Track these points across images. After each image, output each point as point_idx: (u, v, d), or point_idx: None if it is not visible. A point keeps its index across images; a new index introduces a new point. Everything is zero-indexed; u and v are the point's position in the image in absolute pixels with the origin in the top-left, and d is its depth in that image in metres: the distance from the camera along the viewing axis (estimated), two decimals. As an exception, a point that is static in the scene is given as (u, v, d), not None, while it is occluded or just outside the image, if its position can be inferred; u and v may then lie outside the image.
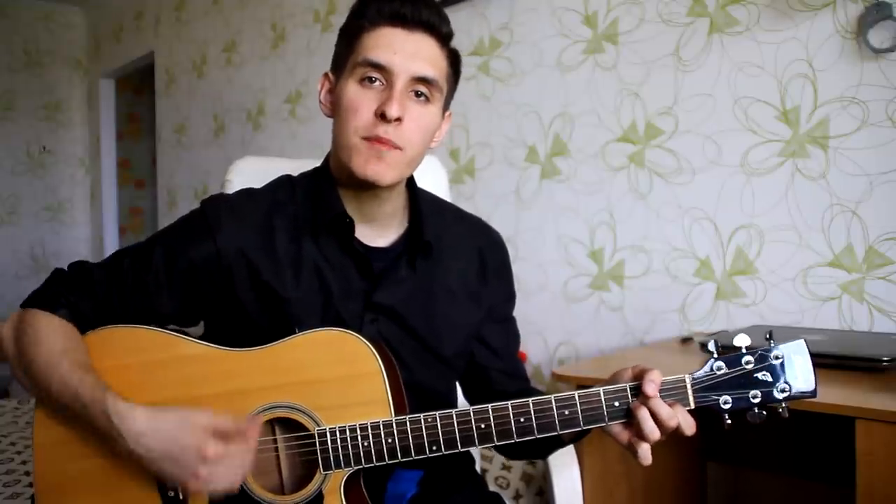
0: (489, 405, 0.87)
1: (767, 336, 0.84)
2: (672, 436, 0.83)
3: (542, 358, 2.20)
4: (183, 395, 0.92)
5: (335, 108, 0.98)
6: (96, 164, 5.21)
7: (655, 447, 0.85)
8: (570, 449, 1.30)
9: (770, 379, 0.83)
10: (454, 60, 1.00)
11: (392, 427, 0.88)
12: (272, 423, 0.92)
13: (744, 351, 0.84)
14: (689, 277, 1.86)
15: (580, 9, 2.09)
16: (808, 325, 1.64)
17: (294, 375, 0.91)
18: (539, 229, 2.21)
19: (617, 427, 0.86)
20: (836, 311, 1.61)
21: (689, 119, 1.85)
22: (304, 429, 0.90)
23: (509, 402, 0.86)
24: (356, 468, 0.89)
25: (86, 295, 0.95)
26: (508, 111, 2.28)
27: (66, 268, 0.99)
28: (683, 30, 1.86)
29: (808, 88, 1.64)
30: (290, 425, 0.92)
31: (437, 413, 0.87)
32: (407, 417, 0.88)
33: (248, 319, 0.98)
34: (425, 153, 1.00)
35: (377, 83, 0.93)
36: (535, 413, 0.86)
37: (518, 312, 1.17)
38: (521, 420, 0.86)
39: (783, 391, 0.83)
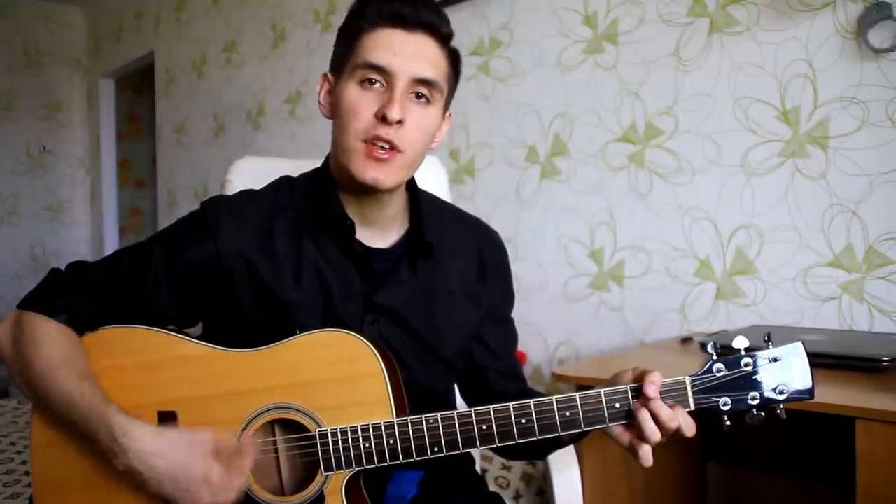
0: (490, 406, 0.87)
1: (766, 338, 0.85)
2: (672, 437, 0.84)
3: (542, 358, 2.20)
4: (182, 395, 0.92)
5: (335, 109, 0.97)
6: (96, 164, 5.21)
7: (655, 448, 0.85)
8: (571, 449, 1.30)
9: (768, 381, 0.83)
10: (454, 60, 1.00)
11: (393, 428, 0.88)
12: (272, 424, 0.92)
13: (743, 353, 0.84)
14: (689, 277, 1.86)
15: (580, 9, 2.09)
16: (808, 325, 1.64)
17: (294, 376, 0.91)
18: (539, 229, 2.21)
19: (618, 429, 0.86)
20: (836, 311, 1.61)
21: (689, 119, 1.85)
22: (305, 430, 0.90)
23: (510, 404, 0.86)
24: (357, 469, 0.89)
25: (84, 296, 0.95)
26: (508, 111, 2.28)
27: (62, 268, 0.99)
28: (683, 30, 1.86)
29: (808, 88, 1.64)
30: (290, 426, 0.92)
31: (438, 414, 0.87)
32: (408, 419, 0.88)
33: (247, 320, 0.98)
34: (426, 154, 1.00)
35: (377, 85, 0.93)
36: (536, 414, 0.86)
37: (518, 312, 1.17)
38: (523, 421, 0.86)
39: (781, 393, 0.83)
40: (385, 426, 0.88)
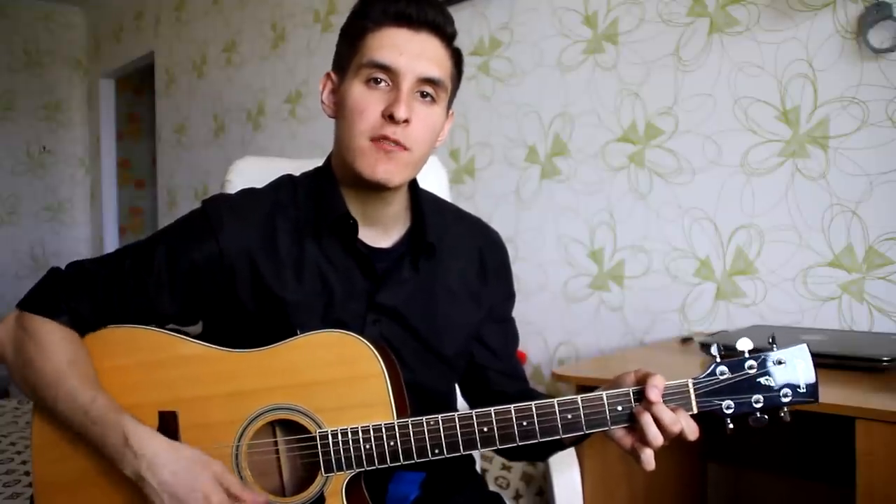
0: (492, 408, 0.86)
1: (770, 340, 0.84)
2: (674, 440, 0.83)
3: (542, 358, 2.20)
4: (183, 395, 0.92)
5: (339, 109, 0.97)
6: (96, 164, 5.21)
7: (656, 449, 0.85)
8: (571, 449, 1.30)
9: (773, 384, 0.83)
10: (458, 60, 1.00)
11: (394, 430, 0.88)
12: (273, 425, 0.92)
13: (747, 355, 0.84)
14: (689, 277, 1.86)
15: (580, 9, 2.09)
16: (808, 325, 1.64)
17: (295, 377, 0.91)
18: (539, 229, 2.21)
19: (619, 432, 0.86)
20: (836, 311, 1.61)
21: (689, 119, 1.85)
22: (305, 431, 0.90)
23: (512, 406, 0.86)
24: (358, 470, 0.89)
25: (86, 297, 0.94)
26: (508, 111, 2.28)
27: (62, 267, 0.98)
28: (683, 30, 1.86)
29: (808, 88, 1.64)
30: (290, 427, 0.92)
31: (439, 416, 0.87)
32: (409, 420, 0.88)
33: (248, 320, 0.97)
34: (430, 153, 1.00)
35: (383, 84, 0.93)
36: (537, 416, 0.85)
37: (518, 312, 1.17)
38: (524, 423, 0.86)
39: (786, 396, 0.83)
40: (385, 427, 0.88)
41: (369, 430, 0.88)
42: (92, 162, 5.29)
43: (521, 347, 1.20)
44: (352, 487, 0.90)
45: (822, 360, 1.24)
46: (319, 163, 1.07)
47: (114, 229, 5.17)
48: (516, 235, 2.25)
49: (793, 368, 0.83)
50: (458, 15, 2.39)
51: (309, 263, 0.98)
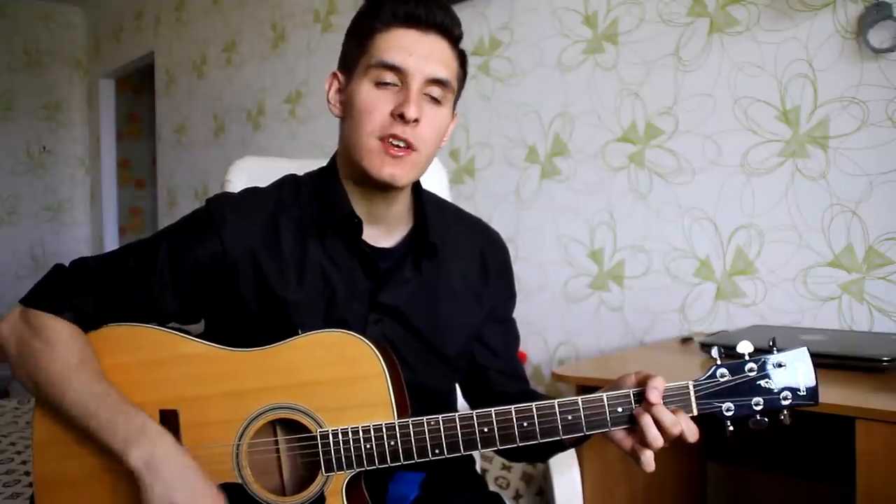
0: (492, 409, 0.87)
1: (771, 343, 0.84)
2: (674, 441, 0.83)
3: (542, 358, 2.21)
4: (184, 394, 0.92)
5: (346, 108, 0.98)
6: (96, 164, 5.21)
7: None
8: (571, 450, 1.30)
9: (773, 386, 0.83)
10: (463, 61, 1.02)
11: (395, 430, 0.88)
12: (274, 424, 0.93)
13: (747, 358, 0.84)
14: (689, 277, 1.86)
15: (580, 9, 2.09)
16: (808, 325, 1.64)
17: (296, 376, 0.91)
18: (539, 229, 2.21)
19: (620, 433, 0.86)
20: (836, 311, 1.61)
21: (689, 119, 1.85)
22: (306, 430, 0.90)
23: (512, 407, 0.86)
24: (358, 470, 0.89)
25: (89, 294, 0.94)
26: (508, 111, 2.28)
27: (66, 264, 0.98)
28: (683, 30, 1.86)
29: (808, 88, 1.64)
30: (291, 426, 0.92)
31: (439, 416, 0.87)
32: (409, 420, 0.88)
33: (250, 319, 0.98)
34: (436, 154, 1.01)
35: (391, 84, 0.93)
36: (538, 417, 0.86)
37: (518, 312, 1.17)
38: (525, 424, 0.86)
39: (786, 399, 0.83)
40: (386, 427, 0.88)
41: (370, 429, 0.88)
42: (92, 162, 5.30)
43: (522, 347, 1.20)
44: (352, 487, 0.90)
45: (822, 360, 1.24)
46: (319, 163, 1.07)
47: (114, 229, 5.17)
48: (516, 235, 2.25)
49: (793, 371, 0.83)
50: (459, 15, 2.38)
51: (311, 263, 0.98)
